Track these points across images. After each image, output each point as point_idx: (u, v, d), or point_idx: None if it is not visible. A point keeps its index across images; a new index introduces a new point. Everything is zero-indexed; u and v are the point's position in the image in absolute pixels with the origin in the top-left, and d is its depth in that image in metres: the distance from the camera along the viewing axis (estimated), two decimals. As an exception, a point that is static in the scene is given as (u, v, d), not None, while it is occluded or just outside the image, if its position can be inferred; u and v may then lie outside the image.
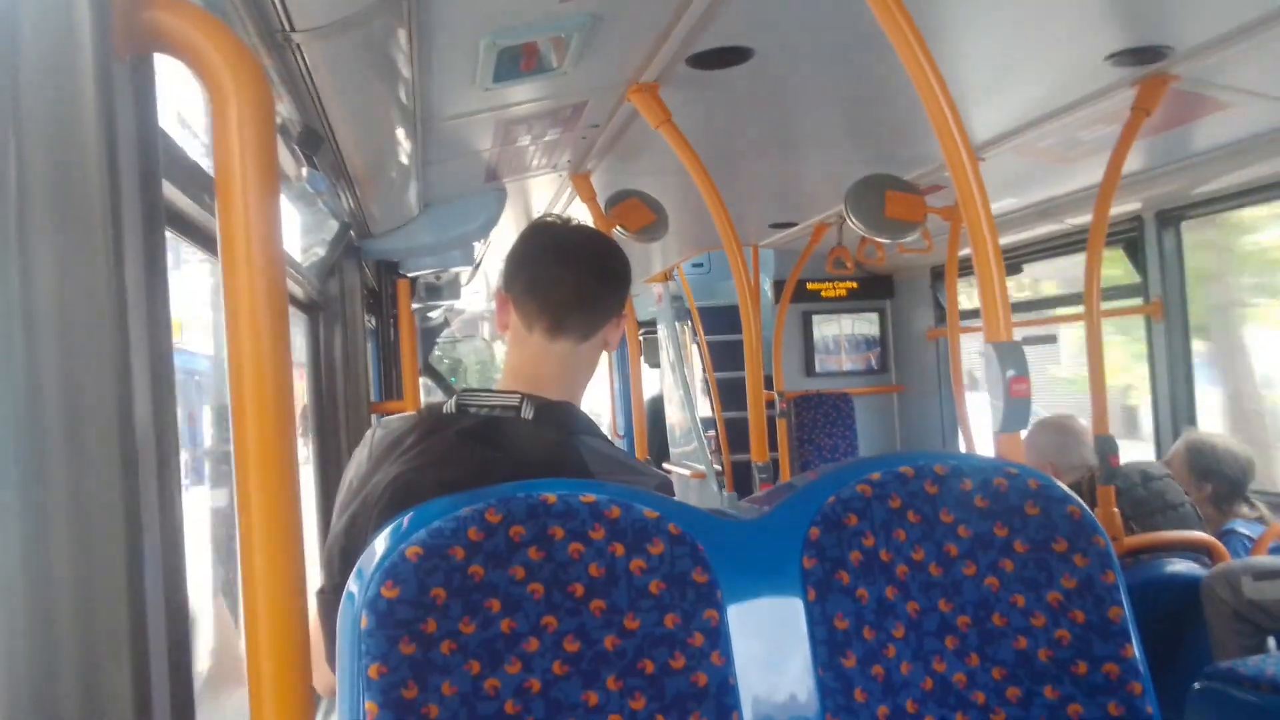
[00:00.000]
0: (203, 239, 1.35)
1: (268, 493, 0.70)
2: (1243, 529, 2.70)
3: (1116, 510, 2.57)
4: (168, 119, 0.92)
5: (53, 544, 0.63)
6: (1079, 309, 3.53)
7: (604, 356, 1.43)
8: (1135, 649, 1.09)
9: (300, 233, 2.69)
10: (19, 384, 0.62)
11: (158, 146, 0.73)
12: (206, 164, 1.24)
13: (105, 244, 0.63)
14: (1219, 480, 2.75)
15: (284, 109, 1.60)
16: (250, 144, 0.68)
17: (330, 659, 1.11)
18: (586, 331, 1.34)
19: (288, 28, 1.27)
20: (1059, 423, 2.96)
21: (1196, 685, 2.10)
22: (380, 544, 0.99)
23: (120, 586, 0.65)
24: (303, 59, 1.40)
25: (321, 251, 2.66)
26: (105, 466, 0.64)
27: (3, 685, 0.63)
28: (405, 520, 1.00)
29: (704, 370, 5.96)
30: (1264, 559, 2.43)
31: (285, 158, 1.86)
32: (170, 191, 1.14)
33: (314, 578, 1.32)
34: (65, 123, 0.63)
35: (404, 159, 2.28)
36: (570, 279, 1.32)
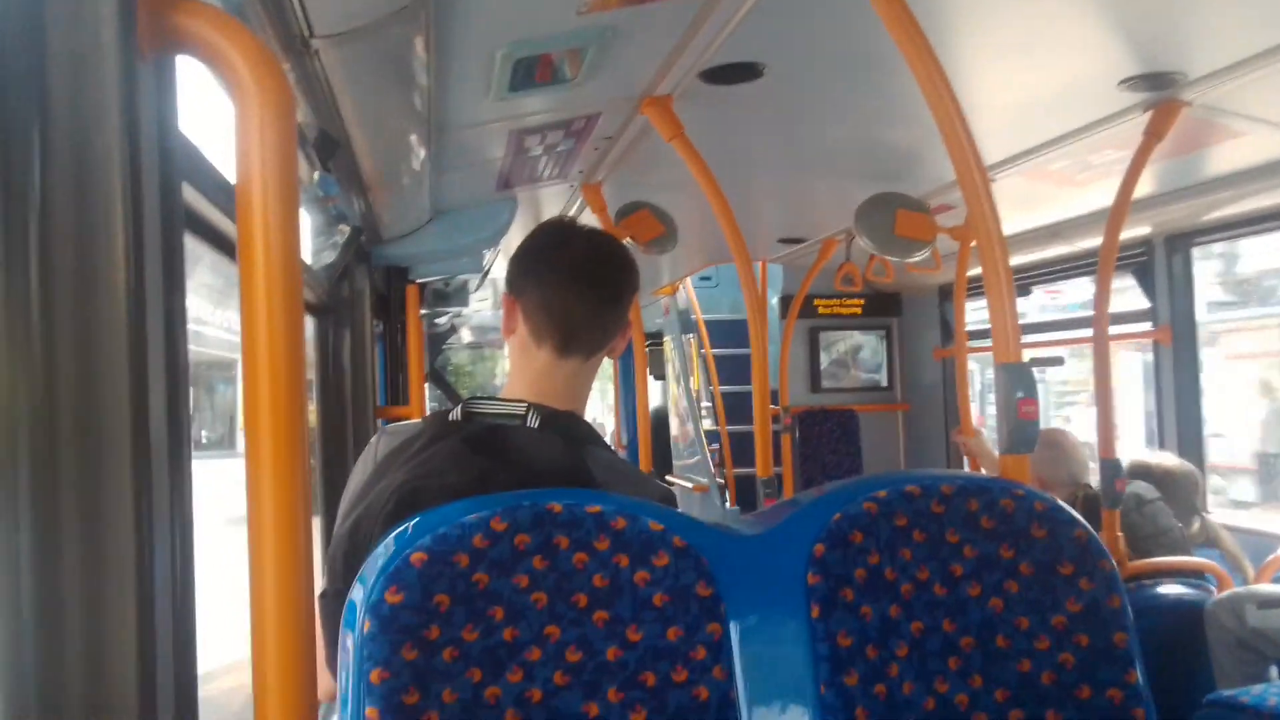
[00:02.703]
0: (220, 242, 1.35)
1: (279, 495, 0.70)
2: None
3: (1121, 534, 2.56)
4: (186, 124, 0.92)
5: (64, 543, 0.64)
6: (1088, 332, 3.53)
7: (607, 365, 1.43)
8: (1139, 675, 1.09)
9: (311, 236, 2.70)
10: (36, 382, 0.63)
11: (178, 148, 0.74)
12: (224, 169, 1.24)
13: (125, 245, 0.64)
14: (1168, 494, 2.79)
15: (301, 113, 1.61)
16: (271, 146, 0.69)
17: (330, 663, 1.11)
18: (595, 349, 1.33)
19: (307, 33, 1.28)
20: (1050, 436, 2.92)
21: (1199, 713, 2.08)
22: (385, 549, 0.99)
23: (129, 587, 0.65)
24: (321, 64, 1.41)
25: (332, 255, 2.67)
26: (118, 467, 0.64)
27: (11, 680, 0.63)
28: (410, 526, 1.01)
29: (709, 383, 5.96)
30: (1269, 587, 2.42)
31: (299, 161, 1.87)
32: (190, 194, 1.15)
33: (317, 582, 1.32)
34: (88, 121, 0.64)
35: (417, 165, 2.29)
36: (583, 304, 1.30)
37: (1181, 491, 2.82)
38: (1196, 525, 2.81)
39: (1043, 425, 1.38)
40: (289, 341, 0.69)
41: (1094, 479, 2.84)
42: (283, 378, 0.69)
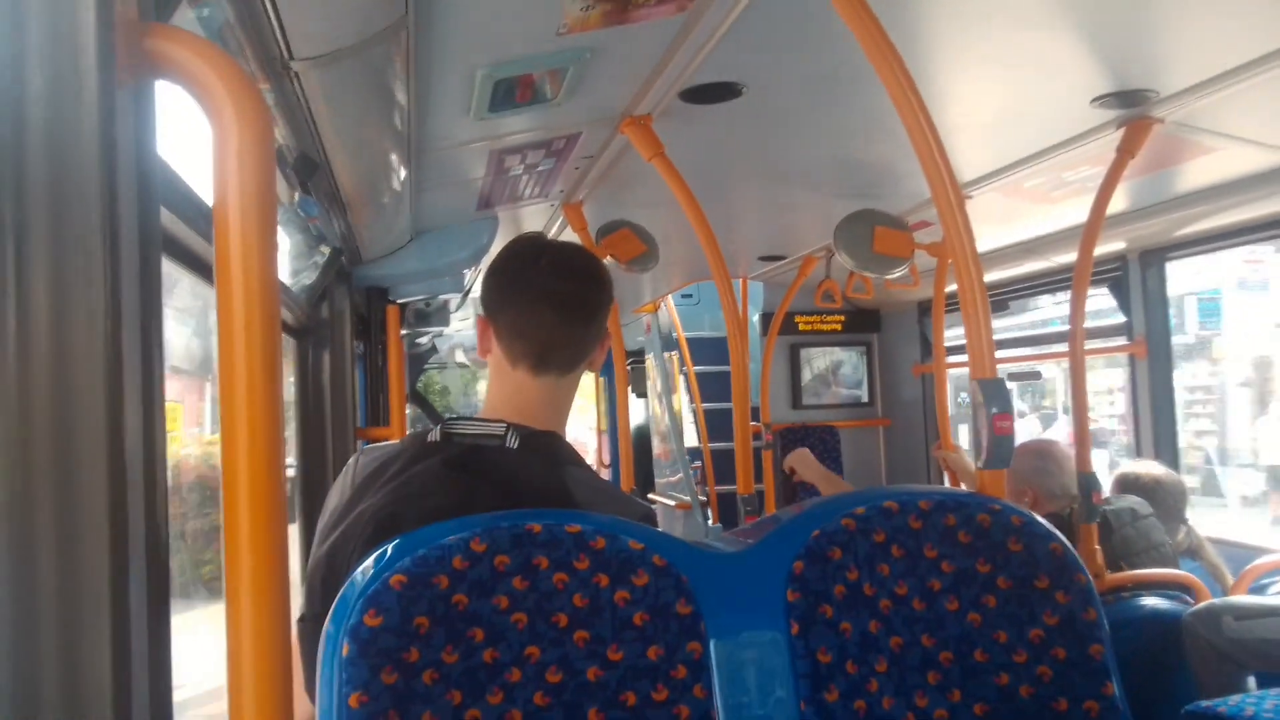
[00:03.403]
0: (197, 265, 1.35)
1: (255, 518, 0.70)
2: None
3: (1098, 548, 2.58)
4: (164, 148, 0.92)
5: (39, 566, 0.63)
6: (1064, 346, 3.56)
7: (590, 383, 1.43)
8: (1115, 687, 1.09)
9: (291, 257, 2.69)
10: (10, 407, 0.62)
11: (157, 173, 0.74)
12: (202, 192, 1.24)
13: (102, 270, 0.64)
14: (1155, 503, 2.80)
15: (280, 135, 1.62)
16: (249, 171, 0.69)
17: (309, 688, 1.10)
18: (571, 365, 1.33)
19: (286, 56, 1.28)
20: (1041, 448, 2.90)
21: None
22: (364, 572, 0.99)
23: (105, 607, 0.65)
24: (300, 87, 1.41)
25: (312, 276, 2.66)
26: (93, 492, 0.64)
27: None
28: (390, 548, 1.00)
29: (692, 401, 5.97)
30: (1245, 598, 2.44)
31: (279, 183, 1.87)
32: (167, 218, 1.15)
33: (295, 606, 1.31)
34: (66, 146, 0.64)
35: (397, 186, 2.30)
36: (555, 321, 1.30)
37: (1170, 499, 2.83)
38: (1182, 534, 2.83)
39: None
40: (266, 364, 0.69)
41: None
42: (260, 401, 0.69)
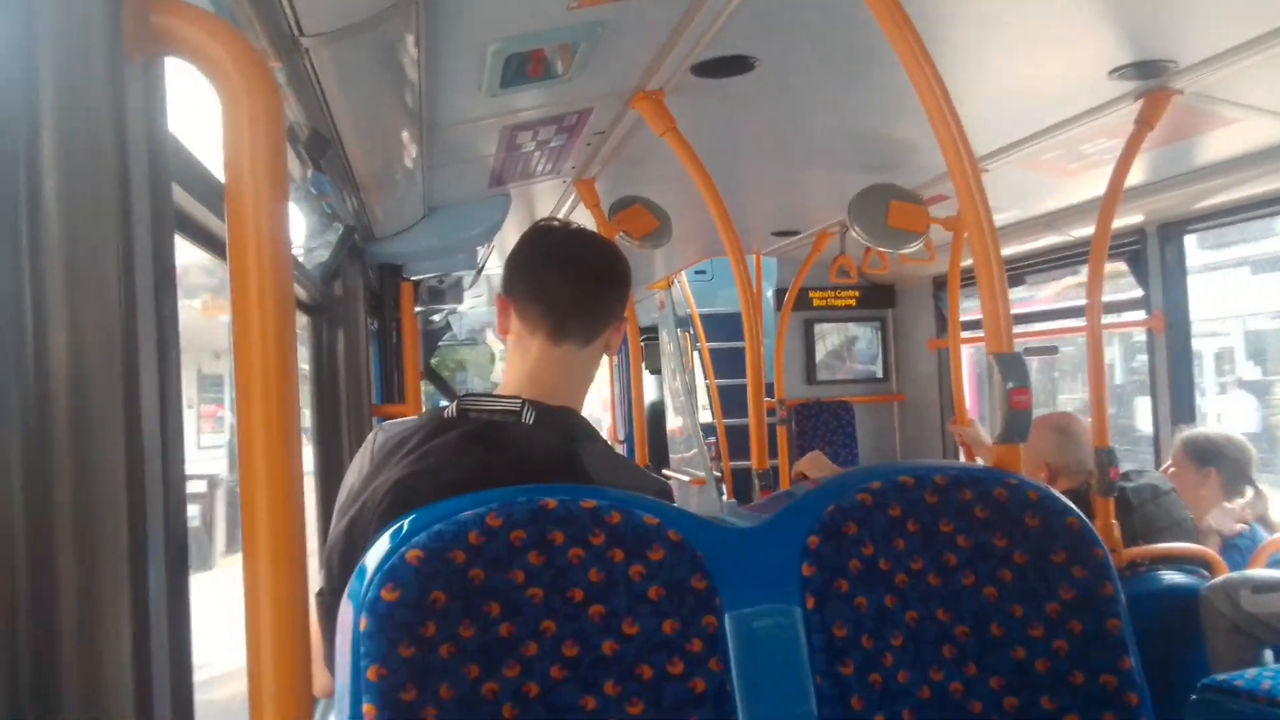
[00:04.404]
0: (210, 242, 1.35)
1: (272, 494, 0.70)
2: (1243, 543, 2.72)
3: (1116, 522, 2.57)
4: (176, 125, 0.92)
5: (58, 546, 0.64)
6: (1081, 321, 3.53)
7: (604, 361, 1.44)
8: (1133, 661, 1.09)
9: (305, 235, 2.70)
10: (28, 386, 0.63)
11: (168, 150, 0.74)
12: (214, 169, 1.24)
13: (115, 248, 0.64)
14: (1223, 464, 2.80)
15: (291, 112, 1.61)
16: (260, 147, 0.69)
17: (329, 661, 1.11)
18: (588, 336, 1.34)
19: (297, 32, 1.28)
20: (1058, 422, 2.89)
21: (1194, 697, 2.10)
22: (381, 547, 0.99)
23: (125, 596, 0.65)
24: (311, 63, 1.40)
25: (325, 254, 2.67)
26: (111, 470, 0.65)
27: (6, 685, 0.63)
28: (406, 523, 1.01)
29: (705, 377, 5.96)
30: (1262, 572, 2.44)
31: (291, 160, 1.87)
32: (179, 195, 1.15)
33: (313, 580, 1.33)
34: (77, 124, 0.64)
35: (409, 163, 2.29)
36: (572, 284, 1.33)
37: (1237, 462, 2.82)
38: (1250, 496, 2.80)
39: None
40: (280, 339, 0.69)
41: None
42: (274, 376, 0.69)
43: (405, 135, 2.05)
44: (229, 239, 0.70)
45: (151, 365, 0.70)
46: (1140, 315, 3.59)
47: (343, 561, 1.22)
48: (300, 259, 2.51)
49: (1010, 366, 1.32)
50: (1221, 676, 2.09)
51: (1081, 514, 1.15)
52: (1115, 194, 2.51)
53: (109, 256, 0.64)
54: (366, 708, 0.93)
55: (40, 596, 0.63)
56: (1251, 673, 2.05)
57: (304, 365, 2.73)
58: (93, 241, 0.63)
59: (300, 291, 2.36)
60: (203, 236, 1.33)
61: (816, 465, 3.10)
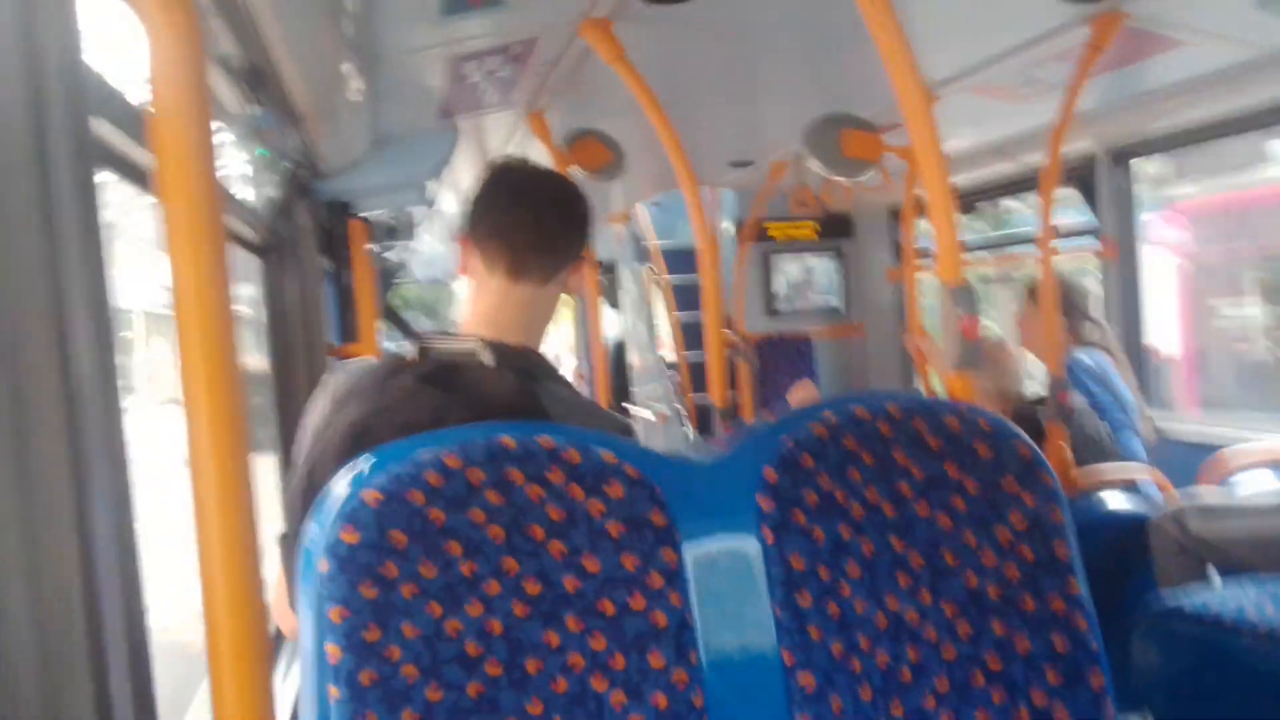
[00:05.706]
0: (140, 178, 1.30)
1: (216, 429, 0.69)
2: (1085, 358, 2.96)
3: (1064, 445, 2.63)
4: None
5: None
6: (1031, 248, 3.57)
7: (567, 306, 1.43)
8: (1080, 585, 1.12)
9: (253, 172, 2.61)
10: None
11: (83, 80, 0.70)
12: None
13: (31, 186, 0.61)
14: (1070, 309, 3.03)
15: (227, 44, 1.55)
16: (181, 73, 0.66)
17: (294, 602, 1.11)
18: (548, 274, 1.33)
19: (225, -43, 1.22)
20: (985, 349, 3.00)
21: (1142, 619, 2.17)
22: (339, 488, 0.98)
23: (72, 545, 0.64)
24: (242, -10, 1.35)
25: (275, 194, 2.59)
26: (48, 424, 0.62)
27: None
28: (364, 465, 1.00)
29: (667, 310, 5.94)
30: (1213, 499, 2.51)
31: (231, 95, 1.80)
32: (106, 130, 1.10)
33: (273, 522, 1.31)
34: None
35: (352, 96, 2.22)
36: (532, 220, 1.32)
37: (1072, 297, 3.07)
38: (1097, 334, 3.07)
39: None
40: (215, 271, 0.67)
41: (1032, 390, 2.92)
42: (212, 308, 0.68)
43: (346, 66, 1.98)
44: (158, 170, 0.67)
45: (83, 310, 0.67)
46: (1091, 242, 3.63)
47: (304, 504, 1.21)
48: (252, 200, 2.43)
49: (961, 296, 1.32)
50: (1169, 599, 2.16)
51: (1032, 441, 1.16)
52: (1066, 119, 2.52)
53: (25, 193, 0.60)
54: (330, 647, 0.93)
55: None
56: (1200, 596, 2.12)
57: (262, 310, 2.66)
58: (5, 178, 0.60)
59: (247, 230, 2.29)
60: (130, 171, 1.28)
61: (809, 394, 3.20)
